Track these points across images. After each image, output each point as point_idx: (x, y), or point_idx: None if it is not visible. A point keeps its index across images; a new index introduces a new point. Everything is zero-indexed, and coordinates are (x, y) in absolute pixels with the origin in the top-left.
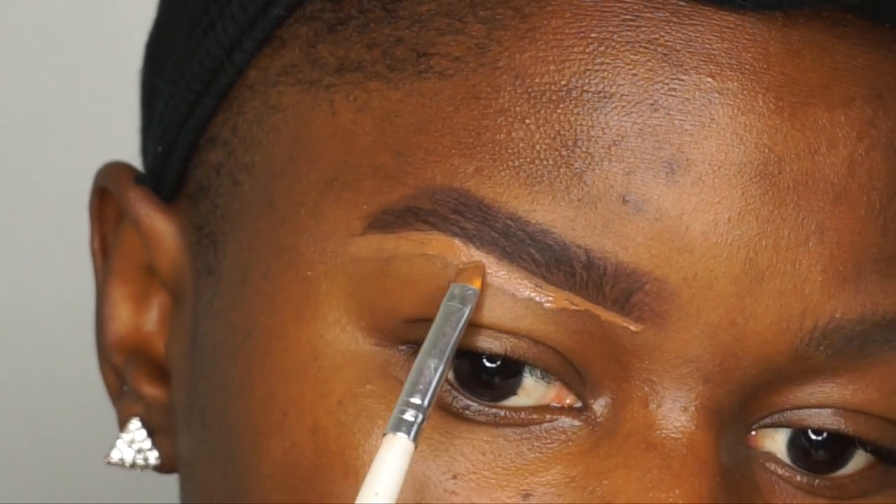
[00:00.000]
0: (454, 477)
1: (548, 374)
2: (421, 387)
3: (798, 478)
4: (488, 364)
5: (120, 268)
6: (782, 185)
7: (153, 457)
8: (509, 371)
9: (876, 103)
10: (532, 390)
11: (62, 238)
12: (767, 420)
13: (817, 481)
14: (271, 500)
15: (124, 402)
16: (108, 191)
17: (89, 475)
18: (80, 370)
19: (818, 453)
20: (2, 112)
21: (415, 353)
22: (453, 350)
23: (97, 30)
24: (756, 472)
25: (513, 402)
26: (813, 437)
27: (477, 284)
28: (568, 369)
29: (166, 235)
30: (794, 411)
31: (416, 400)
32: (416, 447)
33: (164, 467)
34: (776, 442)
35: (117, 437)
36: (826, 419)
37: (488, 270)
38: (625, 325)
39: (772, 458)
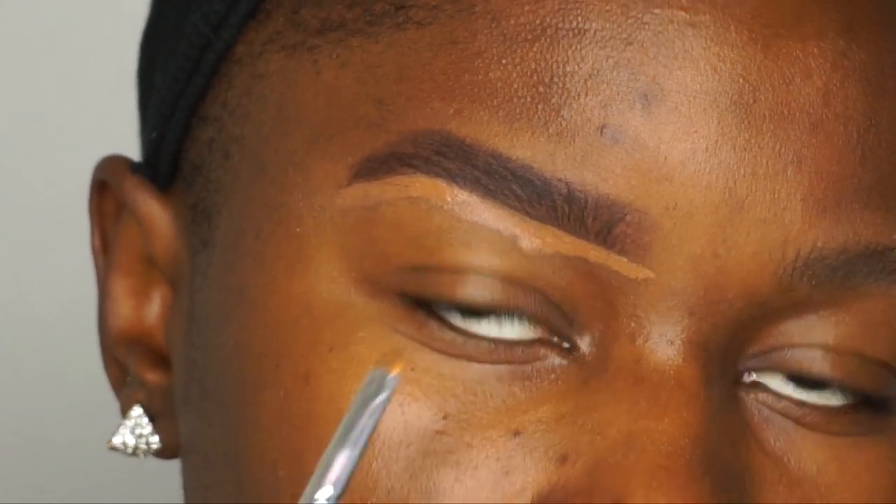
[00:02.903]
0: (444, 417)
1: (535, 319)
2: (332, 479)
3: (791, 409)
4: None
5: (120, 261)
6: (758, 114)
7: (154, 442)
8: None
9: (848, 35)
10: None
11: (62, 238)
12: (756, 362)
13: (811, 415)
14: (267, 453)
15: (127, 392)
16: (106, 184)
17: (89, 475)
18: (80, 370)
19: (809, 394)
20: (2, 112)
21: (407, 303)
22: (367, 440)
23: (97, 30)
24: (747, 409)
25: (504, 326)
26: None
27: (397, 369)
28: (554, 313)
29: (162, 222)
30: (782, 351)
31: (326, 493)
32: None
33: (165, 452)
34: (763, 375)
35: (119, 424)
36: (814, 363)
37: (472, 209)
38: (615, 267)
39: (761, 388)
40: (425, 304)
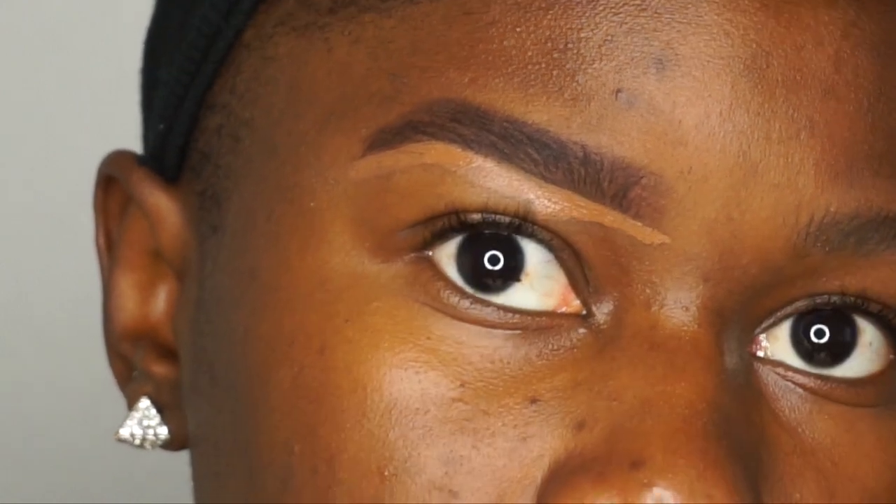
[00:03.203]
0: (461, 385)
1: (553, 251)
2: None
3: (801, 378)
4: (490, 267)
5: (126, 256)
6: (771, 79)
7: (162, 433)
8: (512, 262)
9: (858, 5)
10: (536, 280)
11: (62, 238)
12: (770, 320)
13: (824, 384)
14: (280, 431)
15: (133, 386)
16: (112, 178)
17: (89, 475)
18: (80, 370)
19: (820, 355)
20: (2, 112)
21: (418, 259)
22: None
23: (97, 30)
24: (762, 379)
25: (519, 292)
26: (815, 339)
27: None
28: (573, 261)
29: (170, 213)
30: (796, 304)
31: None
32: None
33: (173, 444)
34: (780, 341)
35: (127, 416)
36: (829, 296)
37: (486, 174)
38: (630, 231)
39: (776, 362)
40: (433, 262)
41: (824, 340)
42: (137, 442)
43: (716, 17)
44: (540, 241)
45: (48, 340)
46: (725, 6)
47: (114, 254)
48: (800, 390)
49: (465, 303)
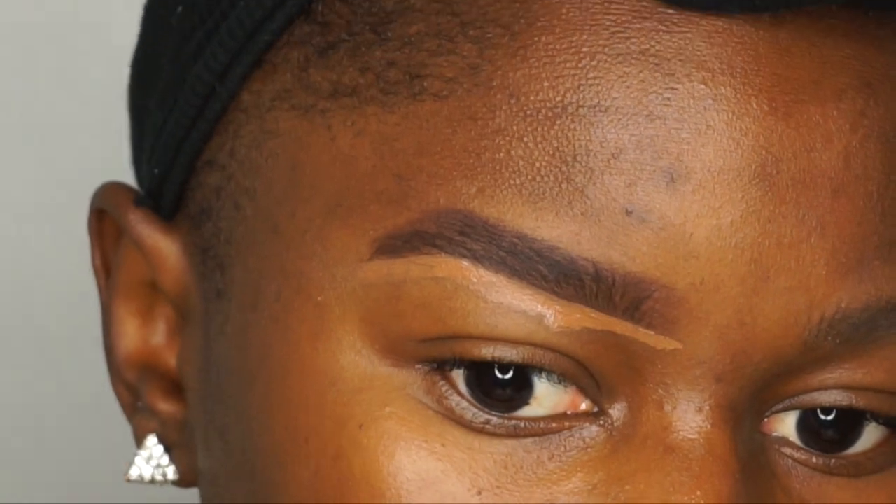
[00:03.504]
0: (479, 493)
1: (564, 378)
2: None
3: (813, 459)
4: (500, 375)
5: (123, 285)
6: (781, 185)
7: (171, 472)
8: (521, 381)
9: (866, 92)
10: (545, 399)
11: (62, 238)
12: (779, 405)
13: (833, 461)
14: None
15: (139, 419)
16: (106, 212)
17: (89, 474)
18: (81, 370)
19: (828, 433)
20: (2, 112)
21: (431, 371)
22: None
23: (97, 30)
24: (772, 458)
25: (527, 412)
26: (822, 416)
27: None
28: (582, 374)
29: (170, 254)
30: (805, 395)
31: None
32: None
33: (182, 482)
34: (787, 425)
35: (135, 454)
36: (837, 396)
37: (498, 290)
38: (642, 339)
39: (785, 442)
40: (446, 372)
41: (831, 417)
42: (147, 481)
43: (725, 126)
44: (550, 371)
45: (48, 340)
46: (734, 113)
47: (111, 280)
48: (807, 468)
49: (479, 416)
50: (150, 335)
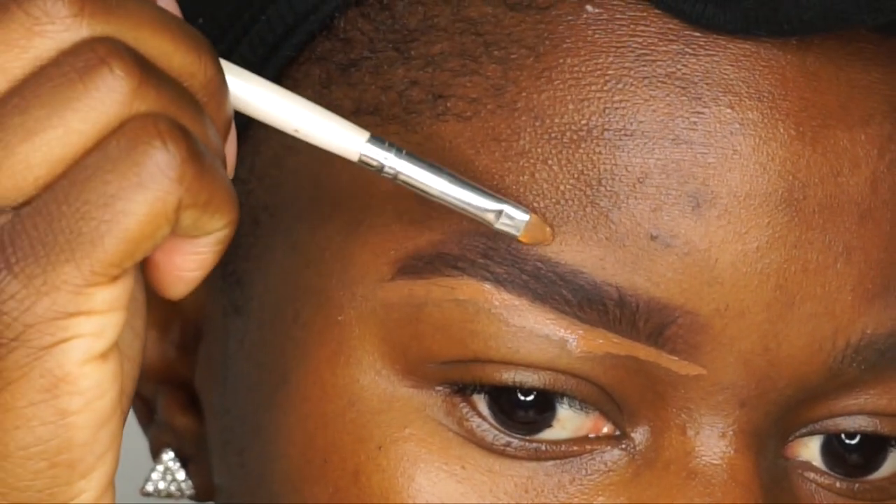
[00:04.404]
0: None
1: (585, 404)
2: None
3: (837, 484)
4: (522, 398)
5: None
6: (808, 211)
7: (187, 486)
8: (543, 404)
9: (894, 117)
10: (567, 421)
11: None
12: (803, 430)
13: (857, 486)
14: None
15: (155, 432)
16: None
17: None
18: None
19: (852, 457)
20: None
21: (451, 393)
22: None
23: None
24: (795, 483)
25: (549, 434)
26: (846, 441)
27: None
28: (605, 399)
29: None
30: (829, 420)
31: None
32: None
33: (198, 496)
34: (811, 449)
35: (151, 469)
36: (861, 422)
37: (520, 313)
38: (666, 365)
39: (808, 466)
40: (466, 395)
41: (856, 442)
42: (164, 496)
43: (751, 151)
44: (572, 396)
45: None
46: (761, 138)
47: None
48: (830, 493)
49: (500, 438)
50: (166, 348)
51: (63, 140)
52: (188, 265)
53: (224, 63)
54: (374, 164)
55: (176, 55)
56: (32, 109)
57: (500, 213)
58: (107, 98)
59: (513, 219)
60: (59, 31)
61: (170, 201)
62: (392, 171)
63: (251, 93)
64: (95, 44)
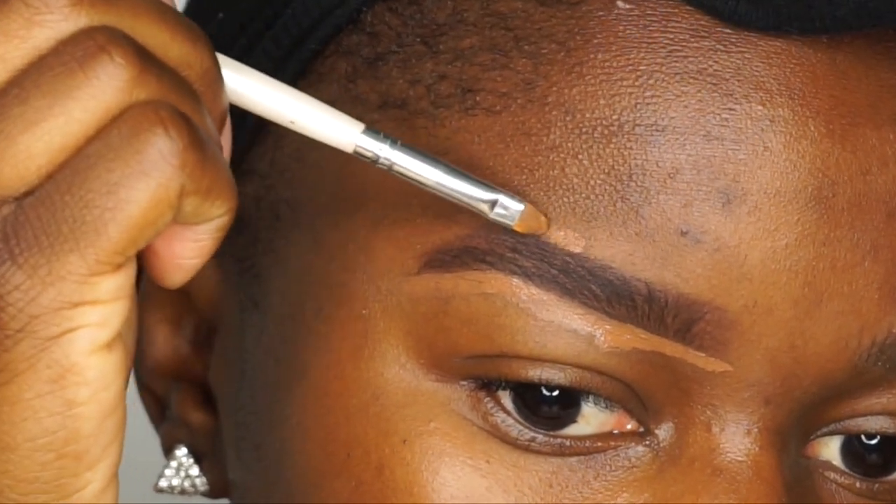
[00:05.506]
0: None
1: (610, 401)
2: None
3: (857, 484)
4: (547, 393)
5: (153, 293)
6: (837, 208)
7: (201, 483)
8: (568, 400)
9: None
10: (592, 417)
11: None
12: (824, 429)
13: (876, 486)
14: None
15: (167, 428)
16: None
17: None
18: None
19: (871, 457)
20: None
21: (476, 388)
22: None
23: None
24: (816, 483)
25: (573, 430)
26: (866, 441)
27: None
28: (630, 396)
29: (205, 268)
30: (851, 420)
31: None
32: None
33: (212, 493)
34: (831, 449)
35: (165, 466)
36: (883, 423)
37: (548, 308)
38: (693, 361)
39: (828, 466)
40: (491, 391)
41: (875, 442)
42: (178, 492)
43: (782, 148)
44: (597, 394)
45: None
46: (792, 135)
47: (141, 288)
48: (850, 493)
49: (525, 433)
50: (179, 344)
51: (64, 129)
52: (187, 252)
53: (219, 56)
54: (369, 155)
55: (173, 45)
56: (33, 99)
57: (494, 202)
58: (107, 86)
59: (507, 208)
60: (57, 21)
61: (172, 188)
62: (387, 163)
63: (246, 85)
64: (94, 32)
